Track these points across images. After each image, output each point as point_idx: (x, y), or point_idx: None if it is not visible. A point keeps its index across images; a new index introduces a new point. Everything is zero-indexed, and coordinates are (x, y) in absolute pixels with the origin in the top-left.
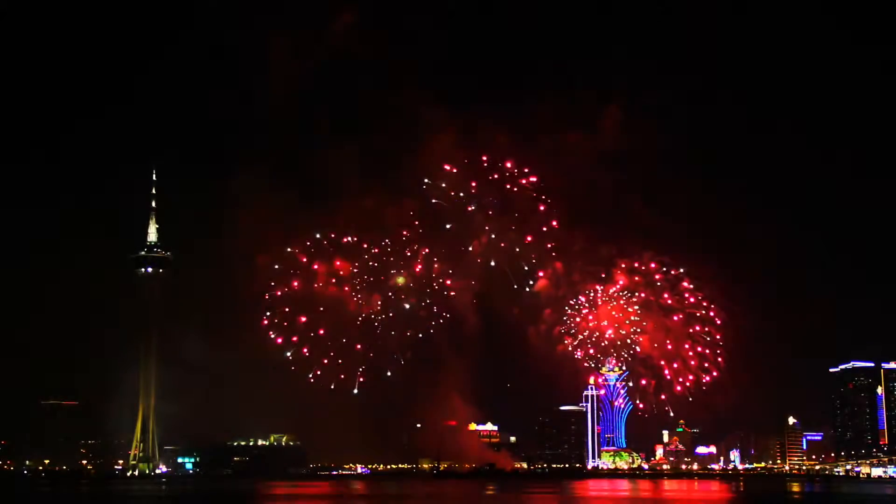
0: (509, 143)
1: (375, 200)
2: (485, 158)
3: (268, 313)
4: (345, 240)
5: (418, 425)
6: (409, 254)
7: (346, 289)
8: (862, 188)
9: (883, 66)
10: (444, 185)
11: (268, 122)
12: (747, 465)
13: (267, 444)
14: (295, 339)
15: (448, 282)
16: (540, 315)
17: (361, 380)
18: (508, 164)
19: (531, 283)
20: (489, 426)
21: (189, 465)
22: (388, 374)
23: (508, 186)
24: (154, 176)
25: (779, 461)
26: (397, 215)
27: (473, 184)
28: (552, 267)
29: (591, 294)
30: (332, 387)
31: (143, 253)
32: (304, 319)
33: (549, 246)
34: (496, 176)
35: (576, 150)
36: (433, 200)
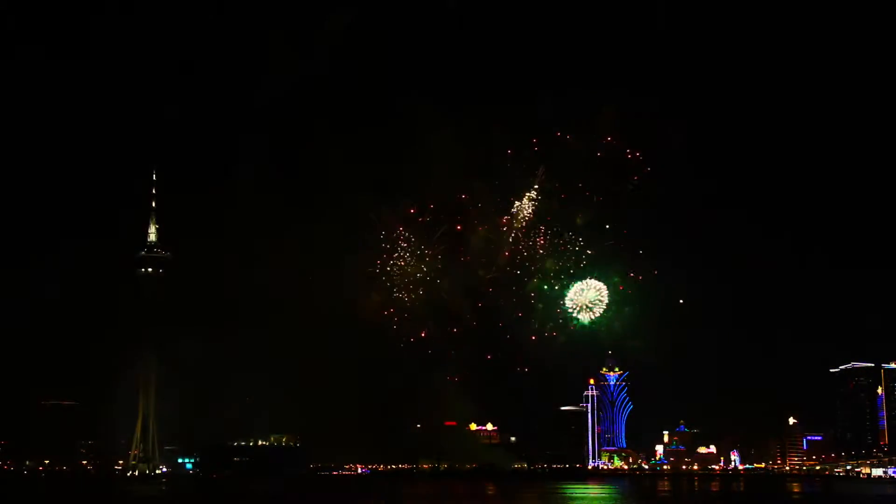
0: (508, 142)
1: (374, 199)
2: (482, 159)
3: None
4: (342, 239)
5: (418, 425)
6: (407, 252)
7: (345, 288)
8: (863, 187)
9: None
10: (442, 183)
11: (268, 122)
12: (747, 466)
13: (267, 444)
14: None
15: (447, 281)
16: (534, 314)
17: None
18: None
19: (525, 282)
20: (489, 426)
21: (189, 465)
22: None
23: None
24: (154, 176)
25: (779, 461)
26: (396, 214)
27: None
28: (543, 266)
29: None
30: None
31: (143, 253)
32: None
33: (541, 242)
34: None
35: (571, 152)
36: (431, 200)
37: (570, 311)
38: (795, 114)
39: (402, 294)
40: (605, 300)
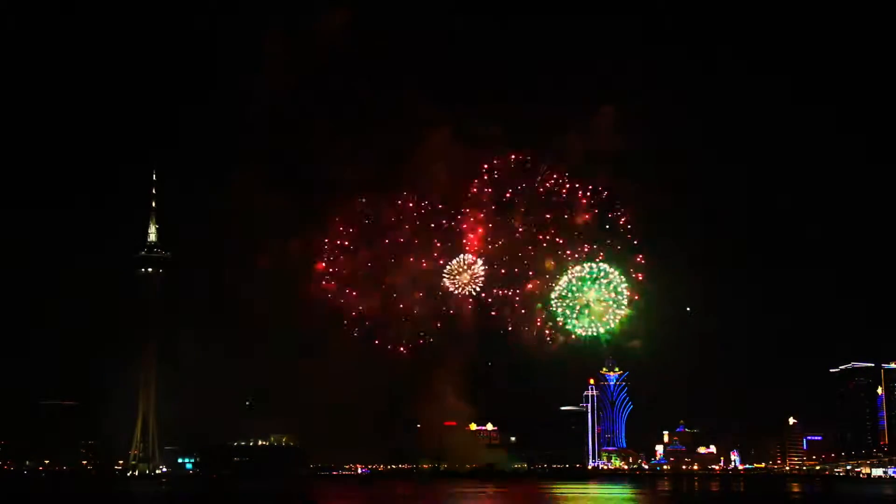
0: (507, 143)
1: (373, 199)
2: (482, 159)
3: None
4: (343, 240)
5: (418, 425)
6: (406, 252)
7: (346, 288)
8: (862, 185)
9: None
10: (441, 183)
11: (267, 122)
12: (747, 466)
13: (267, 444)
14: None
15: (445, 280)
16: (532, 315)
17: None
18: (501, 161)
19: (524, 282)
20: (489, 426)
21: (189, 465)
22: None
23: (506, 185)
24: (154, 176)
25: (779, 461)
26: (395, 214)
27: (471, 180)
28: (543, 267)
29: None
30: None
31: (143, 253)
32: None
33: (542, 241)
34: (495, 175)
35: (569, 152)
36: (429, 200)
37: (558, 311)
38: None
39: (403, 294)
40: (624, 300)
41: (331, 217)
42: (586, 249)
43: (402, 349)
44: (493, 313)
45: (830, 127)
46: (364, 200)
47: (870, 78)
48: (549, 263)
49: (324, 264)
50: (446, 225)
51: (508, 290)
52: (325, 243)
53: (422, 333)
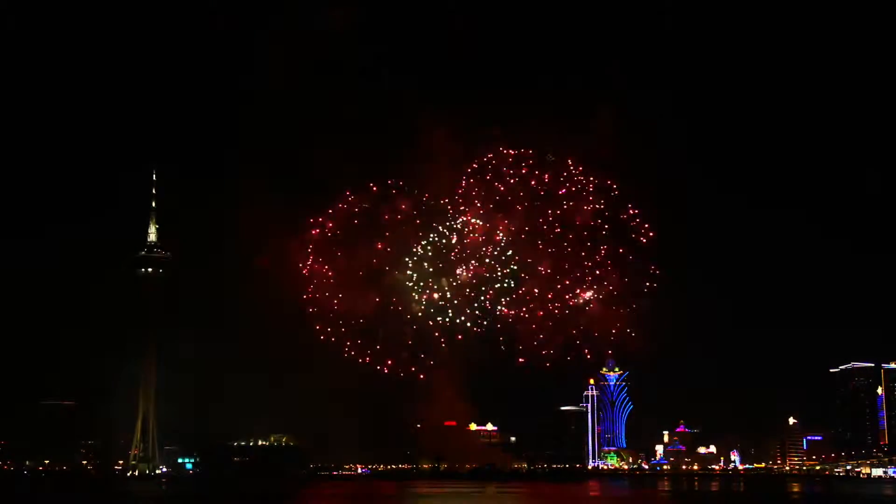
0: (506, 143)
1: (372, 199)
2: (479, 157)
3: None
4: (341, 239)
5: (418, 425)
6: (405, 252)
7: (344, 288)
8: (863, 184)
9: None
10: (439, 182)
11: (267, 122)
12: (747, 466)
13: (267, 444)
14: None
15: (444, 279)
16: (530, 315)
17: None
18: (500, 159)
19: (521, 282)
20: (489, 426)
21: (189, 465)
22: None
23: (502, 186)
24: (154, 176)
25: (779, 461)
26: (394, 213)
27: (467, 181)
28: (540, 268)
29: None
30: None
31: (143, 253)
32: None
33: (541, 241)
34: (489, 175)
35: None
36: (427, 198)
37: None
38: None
39: (401, 293)
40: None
41: (330, 217)
42: (591, 253)
43: (401, 373)
44: (482, 324)
45: (834, 134)
46: (353, 198)
47: None
48: (548, 264)
49: (312, 268)
50: (444, 224)
51: (507, 291)
52: (311, 248)
53: (422, 356)
